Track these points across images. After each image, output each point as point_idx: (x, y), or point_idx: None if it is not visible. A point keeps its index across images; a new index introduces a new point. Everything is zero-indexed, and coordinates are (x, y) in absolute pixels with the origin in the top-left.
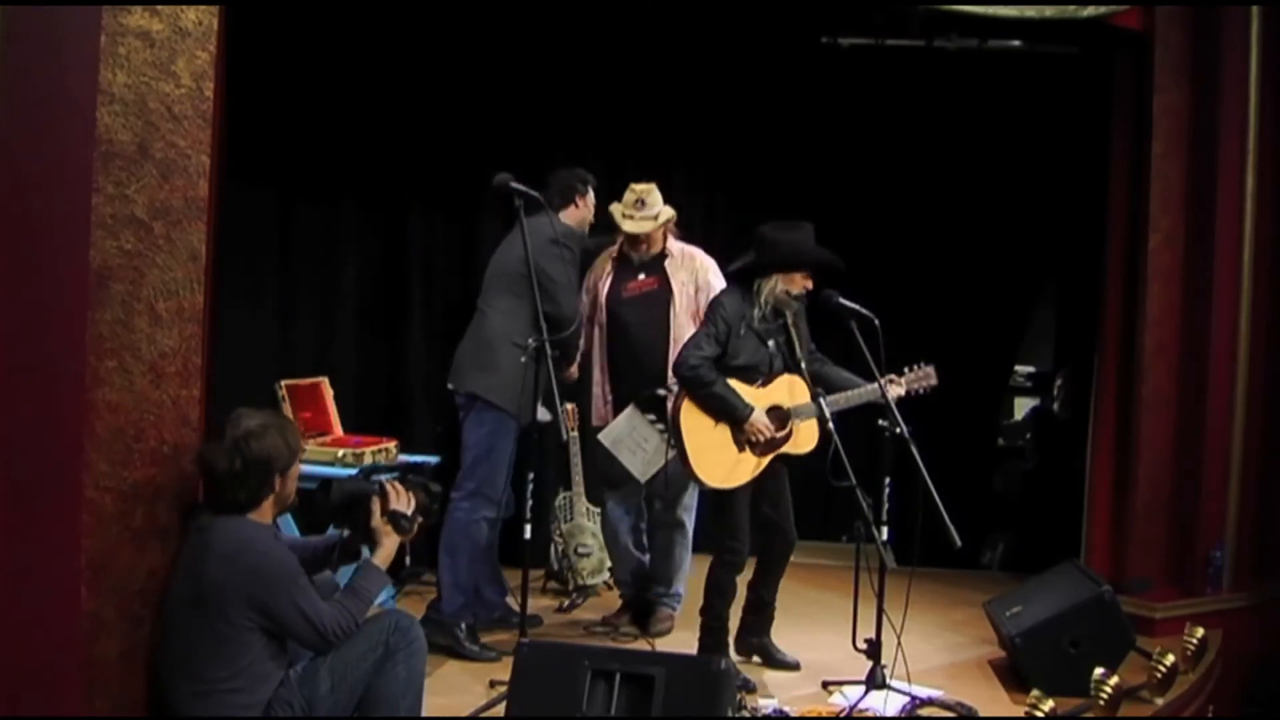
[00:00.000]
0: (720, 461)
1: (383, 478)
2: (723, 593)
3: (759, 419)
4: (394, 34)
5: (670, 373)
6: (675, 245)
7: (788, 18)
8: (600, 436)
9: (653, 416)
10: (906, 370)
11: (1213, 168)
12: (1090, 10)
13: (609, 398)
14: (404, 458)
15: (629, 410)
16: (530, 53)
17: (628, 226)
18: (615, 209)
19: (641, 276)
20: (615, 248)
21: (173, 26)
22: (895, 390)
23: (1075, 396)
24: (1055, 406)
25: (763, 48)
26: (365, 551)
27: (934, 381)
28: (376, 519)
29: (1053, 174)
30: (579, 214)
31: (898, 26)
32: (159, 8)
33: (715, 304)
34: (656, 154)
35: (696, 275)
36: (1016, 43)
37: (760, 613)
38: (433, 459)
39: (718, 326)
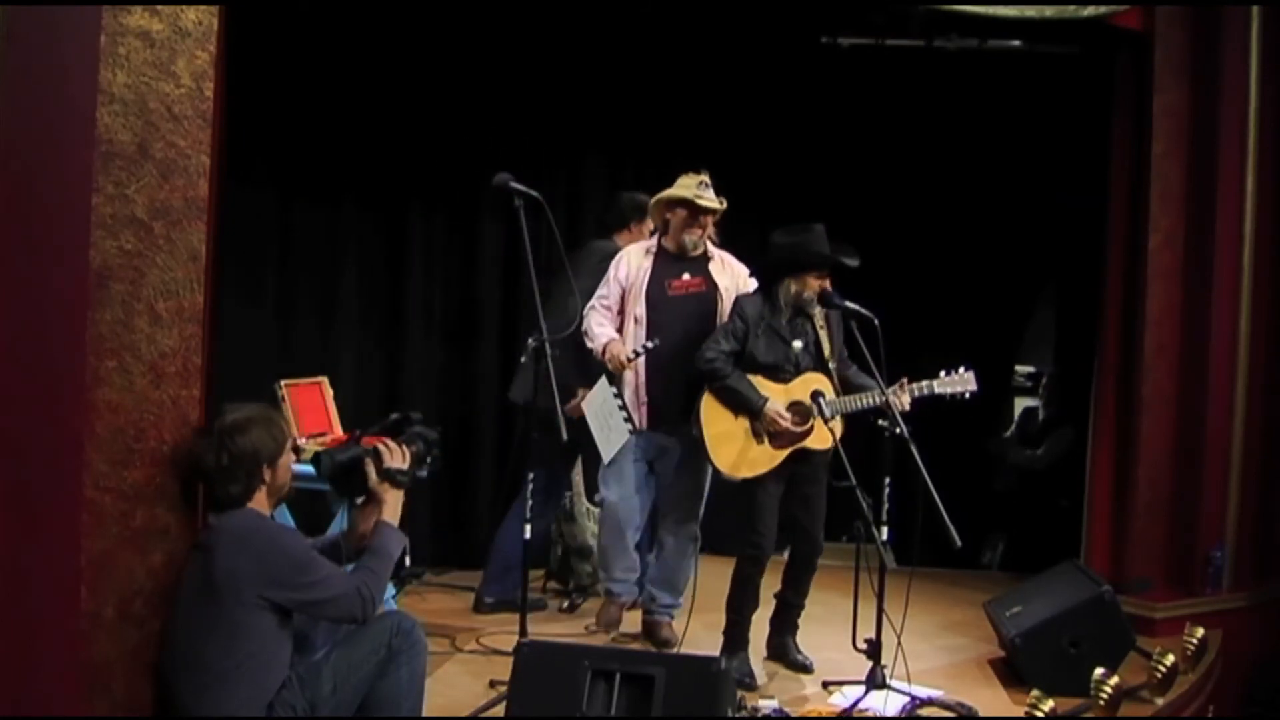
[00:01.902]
0: (736, 450)
1: (373, 436)
2: (744, 587)
3: (773, 408)
4: (394, 34)
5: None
6: (713, 249)
7: (788, 18)
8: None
9: (615, 390)
10: (942, 373)
11: (1213, 168)
12: (1090, 10)
13: (644, 399)
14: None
15: (602, 382)
16: (530, 53)
17: (706, 202)
18: (682, 191)
19: (687, 276)
20: (653, 243)
21: (173, 26)
22: (905, 398)
23: (1060, 396)
24: (1039, 405)
25: (763, 48)
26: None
27: (973, 386)
28: (373, 480)
29: (1053, 174)
30: (632, 239)
31: (898, 26)
32: (159, 8)
33: (736, 303)
34: (656, 154)
35: (737, 281)
36: (1016, 43)
37: (785, 614)
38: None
39: (735, 324)
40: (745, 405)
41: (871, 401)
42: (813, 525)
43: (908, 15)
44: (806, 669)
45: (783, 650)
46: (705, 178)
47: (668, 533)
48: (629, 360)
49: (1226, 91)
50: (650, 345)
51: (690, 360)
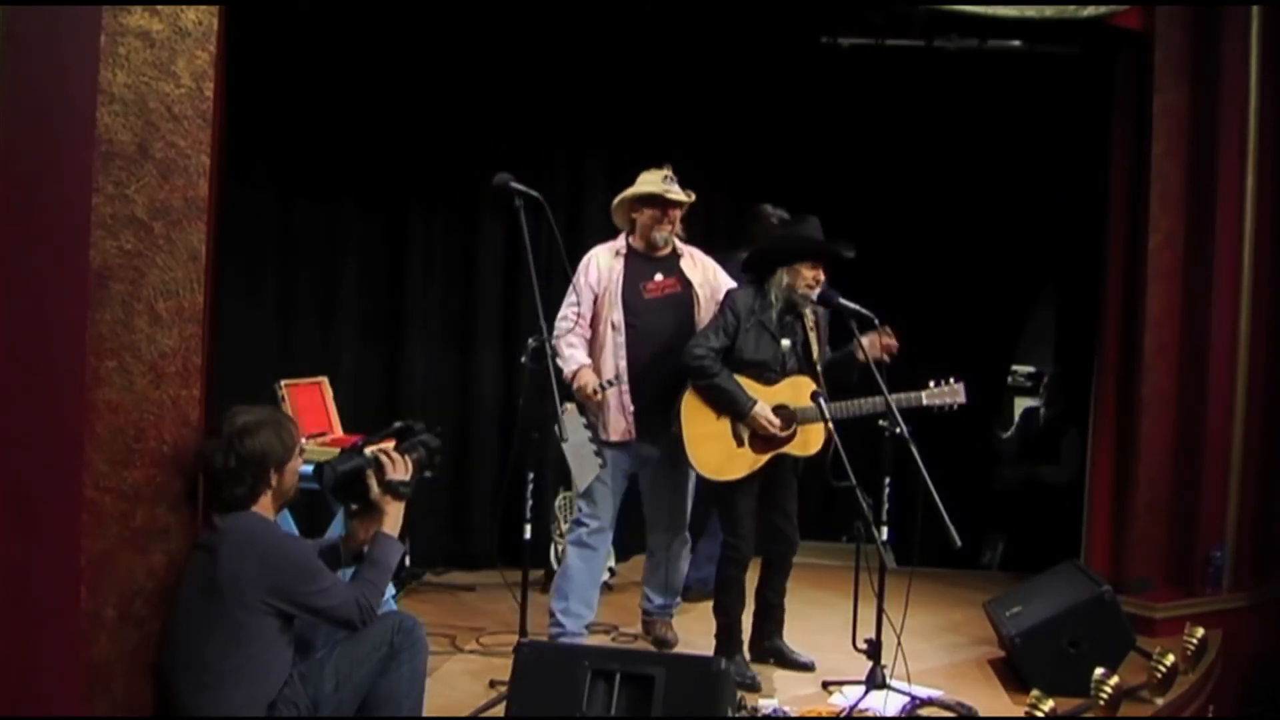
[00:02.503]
0: (716, 451)
1: (375, 445)
2: (728, 589)
3: (762, 412)
4: (394, 34)
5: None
6: (681, 245)
7: (788, 18)
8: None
9: (585, 421)
10: (931, 384)
11: (1213, 168)
12: (1090, 10)
13: (630, 407)
14: None
15: (572, 410)
16: (531, 53)
17: (675, 195)
18: (649, 187)
19: (660, 276)
20: (622, 243)
21: (173, 26)
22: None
23: (1061, 396)
24: (1040, 405)
25: (763, 48)
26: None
27: (962, 399)
28: (375, 492)
29: (1053, 174)
30: None
31: (898, 26)
32: (159, 8)
33: (727, 298)
34: (656, 154)
35: (709, 277)
36: (1016, 43)
37: (769, 616)
38: None
39: (726, 319)
40: (732, 406)
41: (869, 409)
42: (787, 525)
43: (908, 15)
44: (809, 667)
45: (779, 654)
46: (669, 171)
47: (658, 540)
48: (596, 393)
49: (1226, 91)
50: (613, 382)
51: (672, 365)
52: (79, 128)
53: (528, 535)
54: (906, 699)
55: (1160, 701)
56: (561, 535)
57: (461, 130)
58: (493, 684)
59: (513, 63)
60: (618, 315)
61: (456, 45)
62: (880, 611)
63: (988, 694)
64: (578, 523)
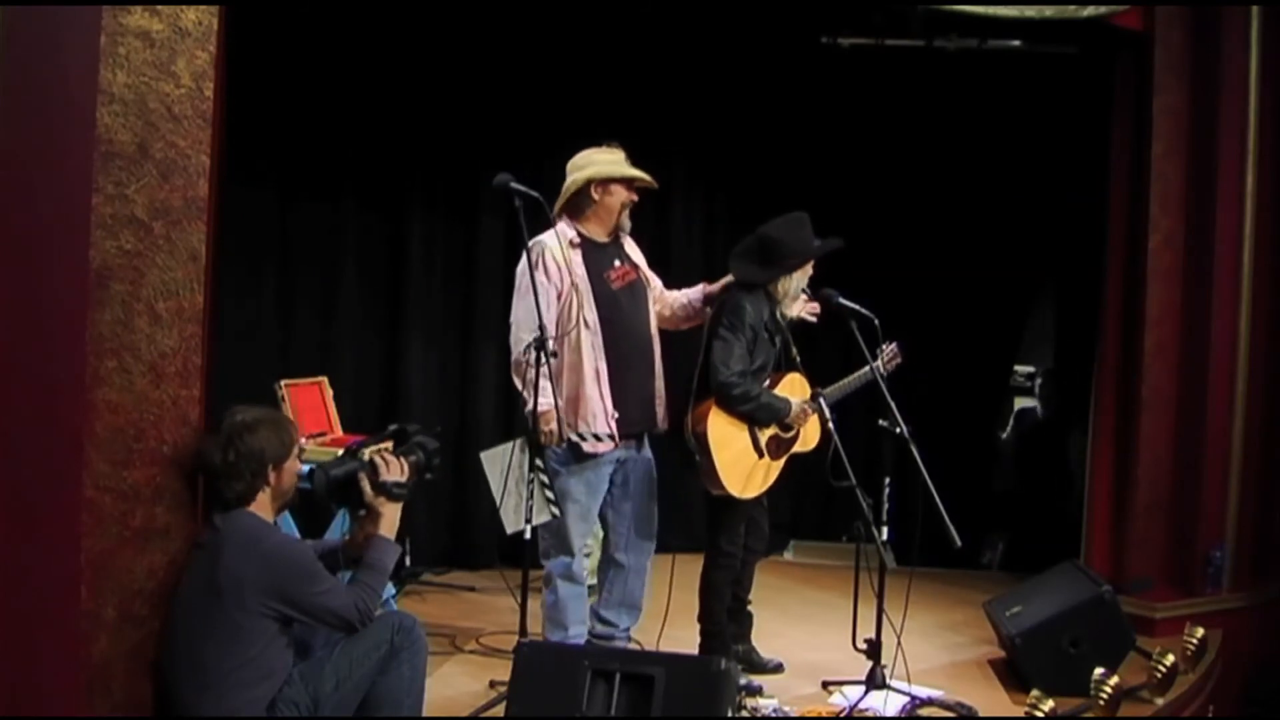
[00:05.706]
0: (744, 470)
1: (372, 449)
2: (720, 596)
3: (798, 405)
4: (394, 33)
5: (656, 380)
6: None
7: (788, 18)
8: (483, 455)
9: (540, 463)
10: (879, 353)
11: (1213, 168)
12: (1090, 10)
13: (614, 412)
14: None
15: (520, 442)
16: (531, 52)
17: (646, 180)
18: (624, 169)
19: (618, 264)
20: (570, 230)
21: (173, 26)
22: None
23: (1055, 395)
24: (1036, 405)
25: (763, 48)
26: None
27: (899, 359)
28: (369, 495)
29: (1053, 174)
30: None
31: (898, 26)
32: (159, 8)
33: (739, 310)
34: (657, 154)
35: (641, 260)
36: (1016, 43)
37: (739, 617)
38: None
39: (746, 335)
40: (775, 415)
41: (855, 383)
42: (765, 521)
43: (908, 15)
44: (779, 669)
45: (748, 659)
46: (623, 152)
47: (625, 551)
48: (559, 441)
49: (1226, 91)
50: (613, 437)
51: (647, 359)
52: (79, 128)
53: (528, 535)
54: (906, 699)
55: (1160, 701)
56: None
57: (461, 130)
58: (493, 684)
59: (512, 63)
60: (591, 312)
61: (456, 45)
62: (880, 611)
63: (988, 694)
64: (546, 555)
